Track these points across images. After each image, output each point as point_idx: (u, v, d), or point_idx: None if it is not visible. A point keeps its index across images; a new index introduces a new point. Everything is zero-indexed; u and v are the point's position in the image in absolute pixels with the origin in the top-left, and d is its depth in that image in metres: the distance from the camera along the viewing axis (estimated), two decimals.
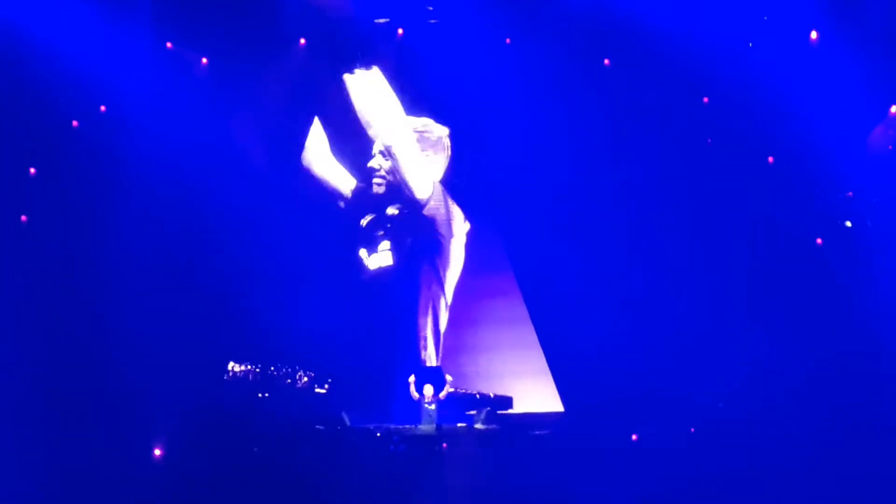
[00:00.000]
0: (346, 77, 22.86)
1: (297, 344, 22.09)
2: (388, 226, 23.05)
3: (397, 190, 23.02)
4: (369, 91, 22.90)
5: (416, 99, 23.10)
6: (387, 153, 22.92)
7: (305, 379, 21.92)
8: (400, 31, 22.62)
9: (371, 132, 22.96)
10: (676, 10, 21.53)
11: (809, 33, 21.64)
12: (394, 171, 22.96)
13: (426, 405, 21.34)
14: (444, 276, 23.00)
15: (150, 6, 21.34)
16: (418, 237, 23.10)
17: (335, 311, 22.43)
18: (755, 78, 21.76)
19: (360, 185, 23.05)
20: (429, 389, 21.49)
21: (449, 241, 23.07)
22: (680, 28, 21.70)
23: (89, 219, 21.37)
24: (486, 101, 22.68)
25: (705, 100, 22.31)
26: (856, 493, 19.06)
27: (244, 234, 22.10)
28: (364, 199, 23.10)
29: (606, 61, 22.45)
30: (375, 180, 23.03)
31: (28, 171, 21.48)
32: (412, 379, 21.56)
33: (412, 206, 23.00)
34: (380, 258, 23.07)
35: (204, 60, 22.39)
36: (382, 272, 23.10)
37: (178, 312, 21.14)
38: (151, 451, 20.17)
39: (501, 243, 23.20)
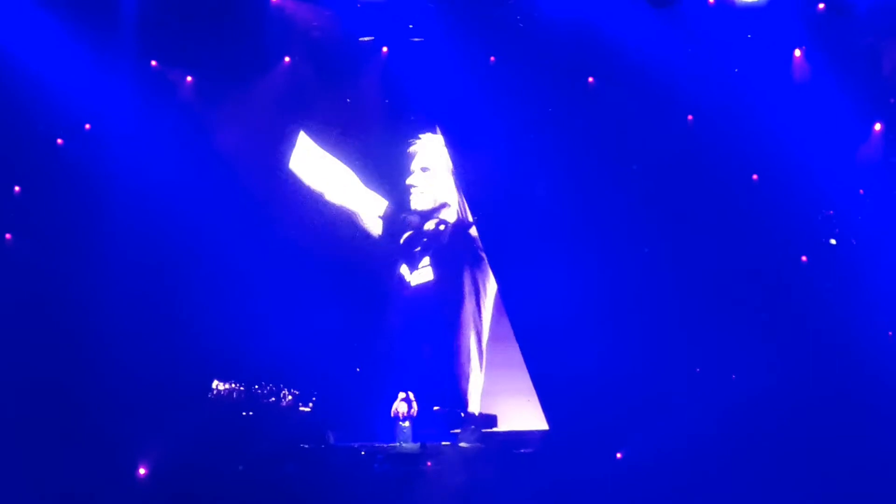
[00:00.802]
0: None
1: (282, 362, 22.22)
2: (426, 240, 23.48)
3: (437, 205, 23.51)
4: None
5: (396, 116, 23.45)
6: (433, 168, 23.52)
7: (290, 397, 22.09)
8: (384, 49, 22.81)
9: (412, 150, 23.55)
10: (660, 29, 21.80)
11: (793, 51, 22.02)
12: (437, 187, 23.49)
13: (400, 423, 21.65)
14: (484, 290, 23.43)
15: (134, 25, 21.48)
16: (460, 251, 23.54)
17: (322, 330, 22.57)
18: (739, 95, 22.10)
19: (397, 203, 23.51)
20: (402, 407, 21.77)
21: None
22: (664, 46, 21.99)
23: (74, 237, 21.59)
24: (469, 118, 22.90)
25: (689, 117, 22.56)
26: None
27: (228, 254, 22.20)
28: (398, 217, 23.58)
29: (591, 79, 22.71)
30: (414, 196, 23.53)
31: (13, 189, 21.78)
32: (402, 396, 21.82)
33: (458, 224, 23.54)
34: (421, 274, 23.42)
35: (189, 79, 22.55)
36: (424, 287, 23.47)
37: (164, 331, 21.36)
38: (136, 470, 20.42)
39: (488, 262, 23.46)
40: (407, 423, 21.53)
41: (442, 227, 23.42)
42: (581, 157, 22.80)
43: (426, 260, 23.43)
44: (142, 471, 20.43)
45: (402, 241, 23.46)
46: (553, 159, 22.81)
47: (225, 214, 22.25)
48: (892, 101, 21.86)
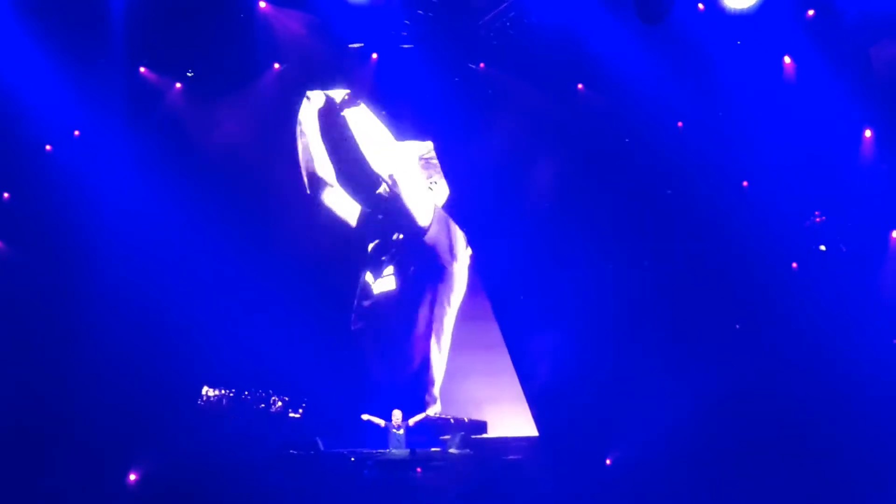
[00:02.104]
0: (346, 113, 23.52)
1: (272, 369, 22.59)
2: (393, 251, 23.66)
3: (401, 217, 23.72)
4: (367, 125, 23.56)
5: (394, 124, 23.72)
6: (391, 183, 23.53)
7: (279, 404, 22.45)
8: (374, 55, 23.06)
9: (374, 164, 23.59)
10: (650, 35, 21.90)
11: (783, 58, 22.32)
12: (396, 200, 23.59)
13: (394, 430, 21.85)
14: (447, 300, 23.61)
15: (123, 31, 21.62)
16: (421, 263, 23.65)
17: (311, 337, 22.85)
18: (729, 102, 22.44)
19: (365, 211, 23.69)
20: (397, 415, 21.97)
21: (451, 266, 23.67)
22: (654, 52, 22.25)
23: (63, 244, 21.90)
24: (458, 125, 23.26)
25: (679, 124, 22.88)
26: None
27: (219, 259, 22.51)
28: (369, 225, 23.75)
29: (580, 86, 23.08)
30: (381, 209, 23.70)
31: (1, 196, 22.15)
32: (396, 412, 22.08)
33: (415, 233, 23.67)
34: (384, 283, 23.61)
35: (178, 85, 22.84)
36: (386, 296, 23.64)
37: (153, 338, 21.69)
38: (126, 476, 20.86)
39: (474, 268, 23.77)
40: (401, 431, 21.77)
41: (409, 238, 23.68)
42: (571, 163, 23.17)
43: (390, 269, 23.69)
44: (132, 477, 20.82)
45: (369, 249, 23.73)
46: (543, 166, 23.19)
47: (214, 222, 22.53)
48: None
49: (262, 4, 21.79)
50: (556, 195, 23.15)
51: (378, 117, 23.68)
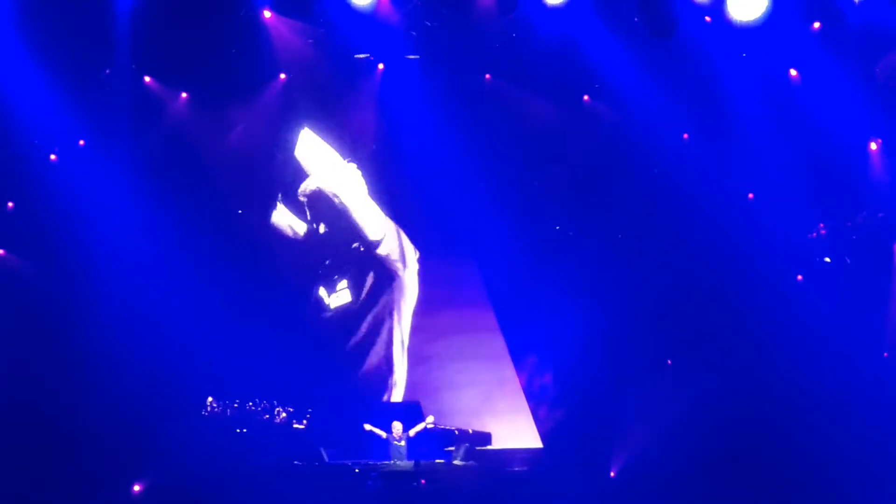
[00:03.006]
0: (296, 134, 23.91)
1: (276, 380, 22.85)
2: (344, 265, 23.95)
3: (351, 232, 24.00)
4: (313, 146, 23.89)
5: (391, 132, 24.01)
6: (338, 201, 23.82)
7: (284, 415, 22.63)
8: (381, 66, 23.35)
9: (322, 183, 23.89)
10: (657, 47, 22.19)
11: (788, 70, 22.64)
12: (345, 216, 23.93)
13: (395, 442, 21.99)
14: (402, 308, 23.90)
15: (129, 41, 21.83)
16: (373, 274, 23.97)
17: (314, 348, 23.35)
18: (735, 113, 22.72)
19: (313, 227, 23.98)
20: (397, 426, 22.11)
21: (403, 274, 23.97)
22: (660, 64, 22.61)
23: (68, 253, 22.14)
24: (463, 134, 23.56)
25: (685, 136, 23.25)
26: None
27: (224, 270, 22.83)
28: (319, 240, 24.02)
29: (586, 97, 23.42)
30: (329, 225, 23.95)
31: (6, 205, 22.39)
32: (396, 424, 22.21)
33: (366, 246, 23.95)
34: (340, 296, 23.92)
35: (183, 95, 23.13)
36: (344, 310, 23.95)
37: (158, 348, 21.91)
38: (131, 486, 21.07)
39: (480, 279, 24.04)
40: (402, 442, 21.90)
41: (361, 250, 23.97)
42: (576, 174, 23.55)
43: (343, 283, 23.96)
44: (137, 488, 21.06)
45: (324, 264, 24.06)
46: (548, 176, 23.61)
47: (218, 232, 23.03)
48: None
49: (267, 14, 22.01)
50: (562, 206, 23.53)
51: (381, 127, 24.02)
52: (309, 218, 23.87)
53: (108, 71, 22.33)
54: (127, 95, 22.53)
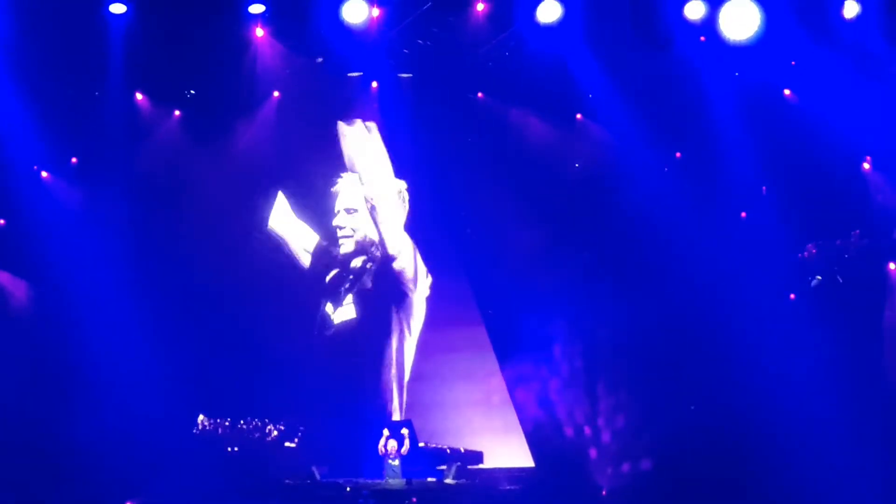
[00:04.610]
0: (341, 125, 24.07)
1: (268, 398, 23.19)
2: (352, 279, 24.03)
3: (364, 245, 24.00)
4: (363, 143, 24.11)
5: (388, 151, 24.26)
6: (371, 207, 23.95)
7: (275, 433, 22.98)
8: (374, 84, 23.80)
9: (363, 186, 24.09)
10: (650, 65, 22.88)
11: (782, 90, 23.14)
12: (362, 227, 23.98)
13: (389, 461, 22.16)
14: (409, 329, 24.00)
15: (122, 58, 22.29)
16: (383, 291, 24.06)
17: (307, 365, 23.57)
18: (728, 133, 23.11)
19: (326, 241, 24.10)
20: (392, 444, 22.28)
21: (413, 295, 24.06)
22: (654, 83, 23.13)
23: (58, 271, 22.47)
24: (455, 153, 24.09)
25: (678, 155, 23.71)
26: None
27: (214, 287, 23.20)
28: (329, 254, 24.13)
29: (579, 116, 23.84)
30: (340, 238, 24.06)
31: None
32: (386, 433, 22.33)
33: (379, 260, 23.99)
34: (344, 312, 24.05)
35: (176, 113, 23.52)
36: (348, 326, 24.06)
37: (149, 365, 22.16)
38: None
39: (472, 298, 24.28)
40: (396, 461, 22.07)
41: (368, 266, 24.05)
42: (569, 192, 23.90)
43: (349, 298, 24.08)
44: None
45: (327, 279, 24.14)
46: (541, 195, 23.93)
47: (209, 251, 23.30)
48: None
49: (260, 33, 22.47)
50: (555, 225, 23.80)
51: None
52: (318, 227, 24.16)
53: (97, 93, 22.78)
54: (119, 113, 22.87)
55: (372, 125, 24.13)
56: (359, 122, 24.12)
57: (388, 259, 23.96)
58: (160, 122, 23.46)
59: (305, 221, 24.21)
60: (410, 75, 23.66)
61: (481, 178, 23.97)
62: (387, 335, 23.97)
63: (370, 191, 23.99)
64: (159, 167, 23.35)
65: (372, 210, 23.96)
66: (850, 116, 22.40)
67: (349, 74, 23.63)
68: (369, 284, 24.05)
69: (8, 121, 22.07)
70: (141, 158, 23.27)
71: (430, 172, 24.12)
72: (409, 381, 24.00)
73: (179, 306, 22.96)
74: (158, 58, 22.49)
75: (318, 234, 24.16)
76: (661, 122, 23.28)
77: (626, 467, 22.83)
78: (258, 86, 23.33)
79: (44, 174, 22.88)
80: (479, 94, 23.98)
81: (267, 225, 24.04)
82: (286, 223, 24.13)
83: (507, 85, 23.63)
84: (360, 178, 24.05)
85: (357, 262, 24.01)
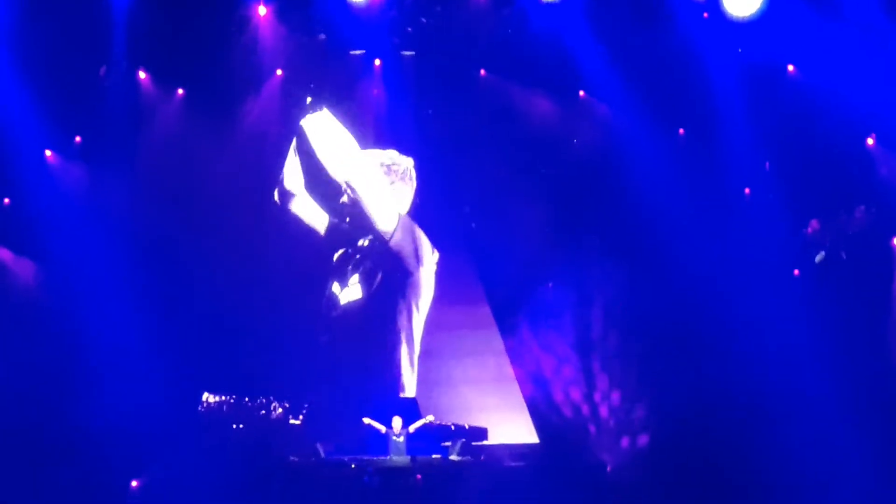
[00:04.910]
0: (303, 123, 23.79)
1: (272, 375, 23.28)
2: (358, 258, 24.06)
3: (366, 225, 23.97)
4: (323, 132, 23.77)
5: (389, 129, 24.26)
6: (349, 189, 23.80)
7: (280, 410, 23.08)
8: (377, 62, 23.83)
9: (332, 171, 23.84)
10: (653, 42, 22.98)
11: (786, 66, 23.21)
12: (358, 206, 23.88)
13: (394, 437, 22.35)
14: (416, 306, 23.95)
15: (125, 37, 22.53)
16: (386, 270, 23.99)
17: (311, 343, 23.67)
18: (731, 109, 23.22)
19: (334, 221, 24.06)
20: (397, 422, 22.45)
21: (419, 272, 23.99)
22: (657, 59, 23.19)
23: (63, 250, 22.62)
24: (460, 130, 24.10)
25: (681, 131, 23.77)
26: None
27: (219, 265, 23.31)
28: (337, 234, 24.12)
29: (582, 93, 23.89)
30: (345, 216, 23.98)
31: (1, 201, 22.96)
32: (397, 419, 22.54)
33: (381, 239, 23.91)
34: (351, 291, 24.04)
35: (180, 91, 23.64)
36: (355, 305, 24.00)
37: (153, 344, 22.27)
38: (128, 482, 21.49)
39: (476, 276, 24.32)
40: (401, 438, 22.25)
41: (373, 244, 24.06)
42: (572, 169, 23.96)
43: (355, 277, 24.05)
44: (134, 483, 21.52)
45: (334, 258, 24.20)
46: (544, 172, 24.03)
47: (215, 229, 23.42)
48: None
49: (262, 11, 22.54)
50: (557, 201, 23.86)
51: (371, 122, 24.27)
52: (326, 207, 24.11)
53: (103, 69, 22.90)
54: (123, 92, 23.04)
55: (325, 111, 23.87)
56: (312, 115, 23.87)
57: (384, 237, 23.84)
58: (163, 100, 23.57)
59: (315, 200, 24.20)
60: (413, 53, 23.70)
61: (485, 156, 23.98)
62: (394, 313, 23.90)
63: (340, 176, 23.82)
64: (163, 145, 23.45)
65: (352, 192, 23.76)
66: (854, 91, 22.44)
67: (352, 52, 23.68)
68: (373, 263, 24.02)
69: (11, 100, 22.20)
70: (144, 137, 23.42)
71: (433, 150, 24.13)
72: (419, 358, 24.02)
73: (185, 285, 23.10)
74: (161, 36, 22.61)
75: (328, 213, 24.16)
76: (665, 99, 23.37)
77: (629, 444, 23.03)
78: (261, 64, 23.47)
79: (48, 153, 22.98)
80: (482, 72, 24.02)
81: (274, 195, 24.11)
82: (298, 199, 24.17)
83: (509, 62, 23.68)
84: (328, 167, 23.89)
85: (364, 242, 24.02)
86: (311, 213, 24.15)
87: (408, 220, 24.05)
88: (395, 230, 23.86)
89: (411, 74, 23.86)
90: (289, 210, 24.09)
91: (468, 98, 24.05)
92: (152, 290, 22.73)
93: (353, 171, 23.72)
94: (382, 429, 22.38)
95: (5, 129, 22.34)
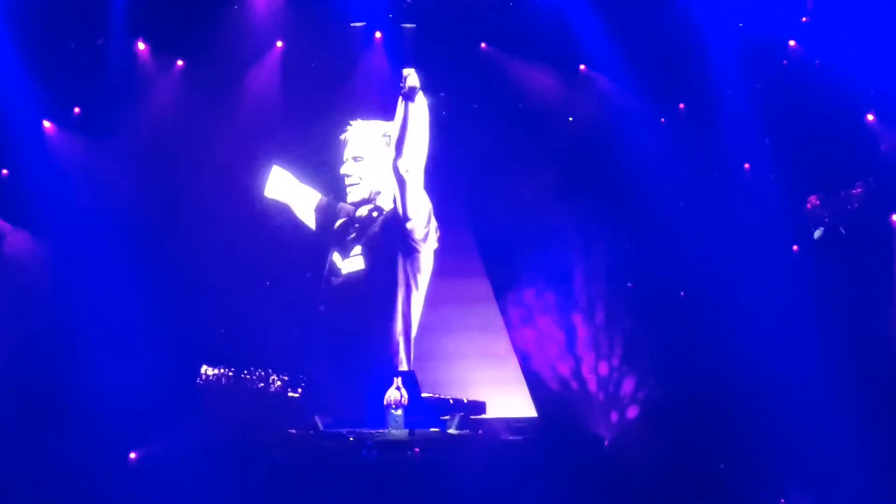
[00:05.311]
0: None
1: (270, 348, 23.25)
2: (360, 228, 24.00)
3: (371, 194, 23.98)
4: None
5: (390, 101, 23.82)
6: (360, 159, 23.80)
7: (279, 383, 23.04)
8: (378, 34, 23.84)
9: (361, 133, 23.84)
10: (655, 17, 23.12)
11: (787, 41, 23.31)
12: (369, 175, 23.86)
13: (392, 411, 22.41)
14: (416, 280, 23.90)
15: (124, 7, 22.57)
16: (393, 242, 23.90)
17: (310, 316, 23.73)
18: (732, 84, 23.39)
19: (335, 191, 24.05)
20: (395, 394, 22.58)
21: (421, 247, 23.88)
22: (657, 33, 23.28)
23: (61, 222, 22.69)
24: (461, 104, 24.13)
25: (681, 106, 23.83)
26: None
27: (217, 237, 23.37)
28: (335, 204, 24.11)
29: (582, 67, 23.92)
30: (348, 186, 23.97)
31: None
32: (398, 381, 22.61)
33: (393, 216, 23.77)
34: (352, 262, 24.03)
35: (179, 63, 23.64)
36: (355, 276, 23.99)
37: (151, 316, 22.37)
38: (126, 454, 21.55)
39: (475, 249, 24.36)
40: (399, 411, 22.32)
41: (375, 215, 23.98)
42: (573, 145, 23.96)
43: (357, 248, 23.99)
44: (133, 455, 21.57)
45: (335, 226, 24.12)
46: (546, 146, 24.01)
47: (213, 200, 23.37)
48: None
49: None
50: (558, 177, 23.86)
51: (369, 94, 24.18)
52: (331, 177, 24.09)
53: (100, 41, 22.90)
54: (121, 62, 23.06)
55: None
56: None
57: (402, 217, 23.66)
58: (162, 71, 23.56)
59: (308, 178, 24.14)
60: (414, 26, 23.67)
61: (486, 129, 23.96)
62: (394, 287, 23.81)
63: (405, 162, 23.49)
64: (162, 117, 23.44)
65: (404, 178, 23.48)
66: (854, 66, 22.50)
67: (352, 24, 23.65)
68: (377, 235, 23.97)
69: (8, 70, 22.17)
70: (143, 108, 23.38)
71: (434, 123, 23.81)
72: (416, 334, 24.03)
73: (183, 257, 23.11)
74: (160, 7, 22.68)
75: (321, 190, 24.10)
76: (665, 73, 23.41)
77: (628, 418, 23.19)
78: (260, 36, 23.48)
79: (46, 124, 22.98)
80: (483, 45, 24.02)
81: (263, 194, 24.01)
82: (287, 189, 24.11)
83: (510, 35, 23.70)
84: (401, 152, 23.45)
85: (363, 212, 23.96)
86: (310, 185, 24.20)
87: (429, 202, 23.91)
88: (418, 213, 23.71)
89: (411, 47, 23.77)
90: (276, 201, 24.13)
91: (468, 70, 24.04)
92: (150, 261, 22.75)
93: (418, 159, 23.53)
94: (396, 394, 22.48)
95: (2, 101, 22.31)
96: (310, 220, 24.11)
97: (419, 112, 23.17)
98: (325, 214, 24.12)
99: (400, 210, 23.55)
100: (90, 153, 23.08)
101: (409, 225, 23.67)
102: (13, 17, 22.05)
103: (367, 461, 21.61)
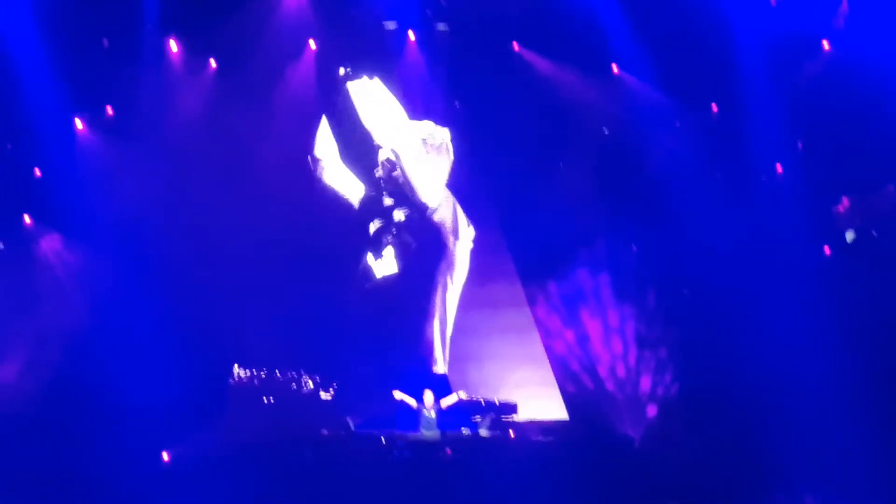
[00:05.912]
0: (350, 85, 23.81)
1: (303, 349, 23.46)
2: (394, 231, 24.12)
3: (405, 197, 24.04)
4: (372, 99, 23.88)
5: (423, 102, 24.29)
6: (393, 161, 23.89)
7: (311, 384, 23.22)
8: (411, 35, 23.90)
9: (376, 140, 23.95)
10: (687, 18, 23.02)
11: (819, 40, 23.26)
12: (401, 178, 23.95)
13: (425, 412, 22.62)
14: (451, 281, 24.14)
15: (157, 9, 22.68)
16: (424, 244, 24.12)
17: (342, 317, 23.81)
18: (766, 85, 23.25)
19: (370, 192, 24.13)
20: (429, 397, 22.73)
21: (455, 247, 24.14)
22: (691, 35, 23.19)
23: (92, 221, 22.86)
24: (492, 105, 24.08)
25: (713, 107, 23.79)
26: None
27: (250, 238, 23.50)
28: (372, 206, 24.16)
29: (615, 67, 23.93)
30: (383, 187, 24.04)
31: (33, 172, 23.07)
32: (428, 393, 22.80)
33: (420, 212, 24.03)
34: (385, 264, 24.16)
35: (213, 63, 23.75)
36: (389, 278, 24.14)
37: (184, 317, 22.63)
38: (159, 455, 21.80)
39: (508, 252, 24.41)
40: (432, 413, 22.55)
41: (409, 216, 24.09)
42: (604, 144, 24.05)
43: (390, 250, 24.07)
44: (165, 456, 21.81)
45: (371, 231, 24.18)
46: (577, 147, 24.07)
47: (247, 200, 23.52)
48: None
49: None
50: (589, 178, 23.94)
51: (405, 95, 24.18)
52: (363, 178, 24.15)
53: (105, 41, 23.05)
54: (154, 62, 23.20)
55: (376, 79, 23.96)
56: (363, 79, 23.91)
57: (425, 210, 23.94)
58: (195, 71, 23.68)
59: (352, 171, 24.25)
60: (446, 28, 23.75)
61: (518, 129, 23.99)
62: (429, 287, 24.10)
63: (386, 144, 23.86)
64: (194, 116, 23.59)
65: (397, 163, 23.87)
66: (888, 66, 22.40)
67: (385, 25, 23.74)
68: (411, 237, 24.11)
69: (43, 70, 22.31)
70: (176, 108, 23.54)
71: (467, 123, 24.20)
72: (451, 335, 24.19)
73: (217, 257, 23.30)
74: (193, 6, 22.76)
75: (364, 184, 24.20)
76: (696, 74, 23.30)
77: (659, 420, 23.19)
78: (293, 35, 23.57)
79: (79, 125, 23.14)
80: (515, 45, 24.06)
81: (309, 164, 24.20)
82: (332, 169, 24.25)
83: (542, 35, 23.72)
84: (371, 136, 23.93)
85: (400, 215, 24.09)
86: (346, 184, 24.22)
87: (449, 194, 24.15)
88: (439, 204, 23.97)
89: (445, 48, 23.89)
90: (321, 179, 24.18)
91: (501, 71, 24.03)
92: (184, 261, 22.99)
93: (401, 140, 23.79)
94: (413, 403, 22.61)
95: (36, 100, 22.46)
96: (353, 201, 24.19)
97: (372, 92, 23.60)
98: (366, 210, 24.21)
99: (420, 199, 23.80)
100: (123, 152, 23.19)
101: (436, 217, 23.91)
102: (46, 16, 22.18)
103: (399, 462, 21.79)
